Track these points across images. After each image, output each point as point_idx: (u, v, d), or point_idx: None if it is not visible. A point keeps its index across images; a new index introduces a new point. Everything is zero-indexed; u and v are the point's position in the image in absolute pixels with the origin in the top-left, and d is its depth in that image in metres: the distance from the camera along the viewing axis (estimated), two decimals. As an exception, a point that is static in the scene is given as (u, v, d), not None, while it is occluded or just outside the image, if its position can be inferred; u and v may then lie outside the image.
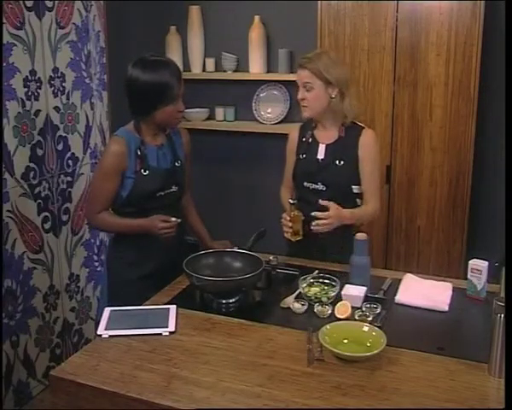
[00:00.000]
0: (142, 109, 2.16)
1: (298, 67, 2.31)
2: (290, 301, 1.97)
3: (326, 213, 2.18)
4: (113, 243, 2.35)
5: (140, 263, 2.23)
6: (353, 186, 2.33)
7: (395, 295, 2.02)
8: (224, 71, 3.70)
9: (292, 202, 2.27)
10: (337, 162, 2.32)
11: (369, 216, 2.38)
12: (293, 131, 2.50)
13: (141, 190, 2.16)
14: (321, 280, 2.06)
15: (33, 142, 2.73)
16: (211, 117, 3.83)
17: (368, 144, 2.33)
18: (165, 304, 2.00)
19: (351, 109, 2.31)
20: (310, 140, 2.39)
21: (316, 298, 1.97)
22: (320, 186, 2.33)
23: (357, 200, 2.36)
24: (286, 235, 2.28)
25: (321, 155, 2.35)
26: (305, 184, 2.37)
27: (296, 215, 2.25)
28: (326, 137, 2.37)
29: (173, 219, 2.16)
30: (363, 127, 2.36)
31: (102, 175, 2.17)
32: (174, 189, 2.26)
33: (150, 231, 2.15)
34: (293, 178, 2.45)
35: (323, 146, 2.35)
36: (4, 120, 2.55)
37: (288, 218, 2.25)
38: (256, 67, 3.59)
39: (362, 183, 2.34)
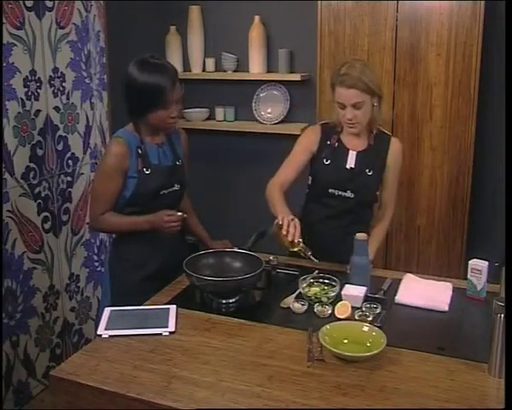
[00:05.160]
0: (135, 110, 2.15)
1: (341, 86, 2.14)
2: (290, 301, 1.97)
3: None
4: (114, 245, 2.35)
5: (142, 265, 2.23)
6: (377, 192, 2.36)
7: (395, 295, 2.02)
8: (224, 71, 3.70)
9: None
10: (367, 171, 2.27)
11: (386, 228, 2.42)
12: (314, 131, 2.35)
13: (144, 188, 2.16)
14: (321, 280, 2.06)
15: (33, 142, 2.72)
16: (211, 117, 3.84)
17: (398, 154, 2.34)
18: (165, 304, 1.99)
19: (381, 114, 2.29)
20: (336, 145, 2.29)
21: (316, 298, 1.97)
22: (348, 194, 2.28)
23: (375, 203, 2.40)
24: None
25: (351, 163, 2.27)
26: (331, 190, 2.29)
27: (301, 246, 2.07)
28: (356, 144, 2.29)
29: (179, 213, 2.16)
30: (391, 135, 2.35)
31: (104, 176, 2.16)
32: (176, 187, 2.26)
33: (156, 225, 2.14)
34: (313, 183, 2.36)
35: (354, 153, 2.27)
36: (4, 120, 2.55)
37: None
38: (256, 67, 3.59)
39: (383, 189, 2.35)
